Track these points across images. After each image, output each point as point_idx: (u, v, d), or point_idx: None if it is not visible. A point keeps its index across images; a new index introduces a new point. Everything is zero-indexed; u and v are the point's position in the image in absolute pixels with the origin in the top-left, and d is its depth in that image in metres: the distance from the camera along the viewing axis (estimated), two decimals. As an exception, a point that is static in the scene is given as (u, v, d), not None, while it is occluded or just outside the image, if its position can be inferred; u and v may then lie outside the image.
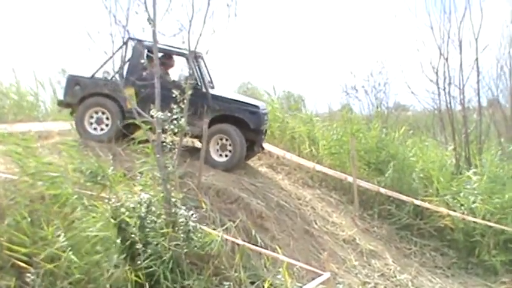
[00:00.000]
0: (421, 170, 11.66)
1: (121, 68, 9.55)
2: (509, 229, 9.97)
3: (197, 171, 8.52)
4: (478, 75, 13.32)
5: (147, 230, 6.59)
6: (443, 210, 10.59)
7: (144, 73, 8.96)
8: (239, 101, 9.99)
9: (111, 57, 7.90)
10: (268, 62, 26.75)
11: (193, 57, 9.10)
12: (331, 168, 11.55)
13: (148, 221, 6.62)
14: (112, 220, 6.50)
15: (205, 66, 10.27)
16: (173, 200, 6.82)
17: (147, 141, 7.54)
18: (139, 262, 6.38)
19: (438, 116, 14.14)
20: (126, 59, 9.66)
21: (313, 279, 6.54)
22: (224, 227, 7.52)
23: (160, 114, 6.72)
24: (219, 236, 6.99)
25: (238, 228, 7.82)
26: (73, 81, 9.82)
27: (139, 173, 7.60)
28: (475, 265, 10.16)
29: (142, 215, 6.62)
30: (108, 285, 6.13)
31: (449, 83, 12.97)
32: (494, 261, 9.88)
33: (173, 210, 6.75)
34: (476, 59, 12.99)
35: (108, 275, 6.15)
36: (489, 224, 10.01)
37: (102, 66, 9.58)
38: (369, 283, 8.53)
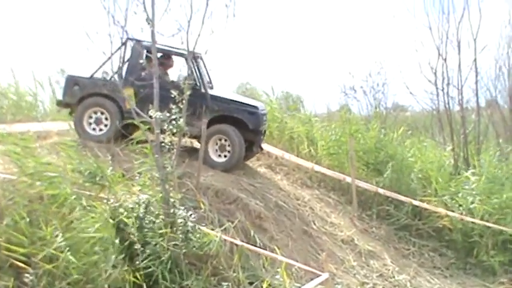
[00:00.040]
0: (420, 170, 11.66)
1: (120, 68, 9.57)
2: (507, 229, 9.98)
3: (196, 172, 8.52)
4: (477, 76, 13.33)
5: (146, 230, 6.59)
6: (442, 210, 10.60)
7: (143, 73, 8.96)
8: (238, 102, 9.99)
9: (110, 58, 7.89)
10: (266, 62, 26.82)
11: (192, 58, 9.10)
12: (329, 169, 11.56)
13: (147, 221, 6.63)
14: (111, 220, 6.51)
15: (205, 66, 10.27)
16: (172, 200, 6.83)
17: (145, 141, 7.55)
18: (137, 262, 6.38)
19: (437, 116, 14.15)
20: (125, 59, 9.67)
21: (311, 279, 6.55)
22: (223, 228, 7.52)
23: (159, 115, 6.72)
24: (217, 237, 6.99)
25: (236, 229, 7.83)
26: (72, 81, 9.81)
27: (138, 173, 7.60)
28: (474, 265, 10.16)
29: (141, 215, 6.63)
30: (106, 286, 6.13)
31: (448, 84, 12.98)
32: (493, 262, 9.88)
33: (172, 211, 6.76)
34: (475, 60, 13.00)
35: (106, 275, 6.15)
36: (487, 224, 10.01)
37: (101, 66, 9.58)
38: (367, 283, 8.54)
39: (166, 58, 10.03)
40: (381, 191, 10.90)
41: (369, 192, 11.20)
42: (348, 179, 11.04)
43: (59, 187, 6.74)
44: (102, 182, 7.08)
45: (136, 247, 6.41)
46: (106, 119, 9.60)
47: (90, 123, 9.61)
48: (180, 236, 6.67)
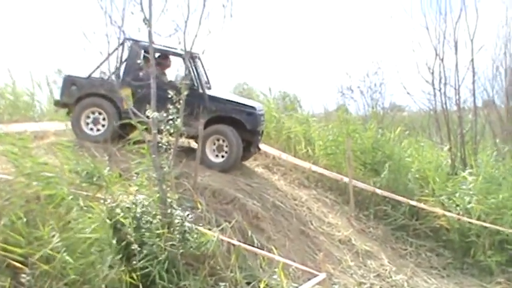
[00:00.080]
0: (417, 170, 11.67)
1: (117, 68, 9.57)
2: (504, 229, 9.98)
3: (193, 172, 8.52)
4: (474, 76, 13.34)
5: (143, 230, 6.58)
6: (439, 210, 10.60)
7: (141, 73, 8.97)
8: (236, 102, 9.99)
9: (107, 58, 7.89)
10: (264, 62, 26.81)
11: (190, 58, 9.10)
12: (327, 169, 11.57)
13: (144, 222, 6.62)
14: (108, 221, 6.49)
15: (203, 66, 10.27)
16: (169, 200, 6.83)
17: (143, 141, 7.54)
18: (135, 263, 6.37)
19: (434, 116, 14.15)
20: (123, 60, 9.67)
21: (309, 279, 6.55)
22: (220, 228, 7.51)
23: (156, 115, 6.72)
24: (214, 237, 6.98)
25: (234, 229, 7.83)
26: (70, 82, 9.81)
27: (135, 173, 7.60)
28: (471, 265, 10.16)
29: (138, 215, 6.61)
30: (103, 286, 6.12)
31: (445, 84, 12.99)
32: (490, 262, 9.88)
33: (169, 211, 6.75)
34: (472, 60, 13.02)
35: (103, 275, 6.15)
36: (484, 224, 10.02)
37: (98, 66, 9.58)
38: (364, 283, 8.53)
39: (163, 58, 10.03)
40: (378, 191, 10.91)
41: (366, 192, 11.20)
42: (345, 179, 11.05)
43: (56, 187, 6.73)
44: (99, 182, 7.08)
45: (133, 247, 6.39)
46: (104, 119, 9.60)
47: (88, 123, 9.61)
48: (177, 236, 6.66)
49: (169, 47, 9.47)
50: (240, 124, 9.68)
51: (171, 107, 6.82)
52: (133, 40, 9.28)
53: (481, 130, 14.04)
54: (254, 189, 9.39)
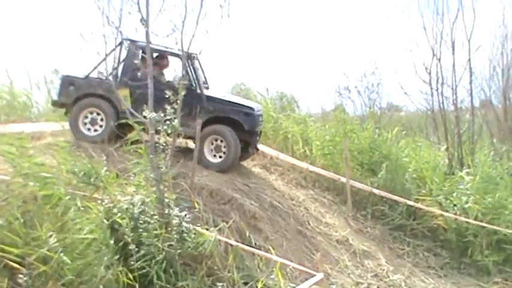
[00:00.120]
0: (414, 170, 11.69)
1: (115, 68, 9.57)
2: (501, 229, 10.00)
3: (190, 172, 8.52)
4: (471, 76, 13.38)
5: (140, 230, 6.58)
6: (436, 210, 10.62)
7: (139, 74, 8.96)
8: (234, 103, 9.99)
9: (105, 58, 7.88)
10: (261, 62, 26.79)
11: (188, 58, 9.10)
12: (324, 169, 11.58)
13: (142, 222, 6.62)
14: (105, 221, 6.49)
15: (201, 67, 10.27)
16: (166, 200, 6.82)
17: (140, 142, 7.54)
18: (132, 263, 6.37)
19: (431, 116, 14.18)
20: (121, 60, 9.67)
21: (306, 279, 6.55)
22: (217, 228, 7.51)
23: (153, 115, 6.71)
24: (212, 237, 6.98)
25: (231, 229, 7.83)
26: (67, 82, 9.79)
27: (133, 173, 7.59)
28: (468, 265, 10.18)
29: (136, 215, 6.61)
30: (101, 287, 6.11)
31: (442, 84, 13.02)
32: (487, 261, 9.90)
33: (166, 211, 6.75)
34: (469, 60, 13.05)
35: (100, 276, 6.14)
36: (482, 224, 10.03)
37: (96, 66, 9.56)
38: (362, 283, 8.55)
39: (161, 58, 10.03)
40: (375, 191, 10.92)
41: (363, 192, 11.21)
42: (343, 179, 11.05)
43: (53, 188, 6.72)
44: (96, 183, 7.06)
45: (130, 248, 6.39)
46: (101, 119, 9.58)
47: (86, 124, 9.60)
48: (175, 236, 6.66)
49: (167, 47, 9.47)
50: (238, 124, 9.68)
51: (168, 107, 6.82)
52: (131, 40, 9.27)
53: (478, 130, 14.05)
54: (251, 189, 9.39)
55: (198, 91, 9.63)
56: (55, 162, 7.41)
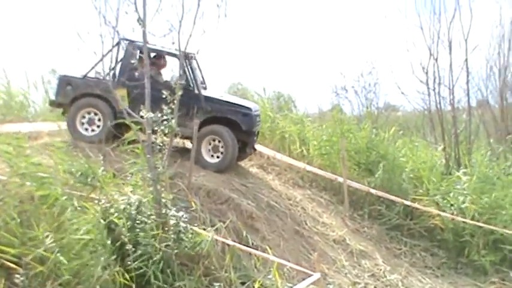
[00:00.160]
0: (411, 170, 11.70)
1: (113, 68, 9.56)
2: (498, 229, 10.01)
3: (187, 172, 8.51)
4: (468, 76, 13.39)
5: (137, 230, 6.57)
6: (433, 210, 10.63)
7: (136, 73, 8.95)
8: (231, 103, 9.99)
9: (103, 58, 7.87)
10: (258, 62, 26.81)
11: (186, 58, 9.10)
12: (321, 169, 11.58)
13: (138, 222, 6.61)
14: (102, 221, 6.48)
15: (198, 67, 10.26)
16: (163, 200, 6.82)
17: (137, 141, 7.53)
18: (129, 263, 6.36)
19: (428, 116, 14.18)
20: (118, 60, 9.66)
21: (303, 279, 6.54)
22: (214, 228, 7.51)
23: (150, 115, 6.71)
24: (209, 237, 6.98)
25: (228, 229, 7.83)
26: (65, 82, 9.79)
27: (130, 173, 7.58)
28: (465, 265, 10.18)
29: (133, 215, 6.61)
30: (97, 287, 6.10)
31: (439, 84, 13.04)
32: (484, 261, 9.91)
33: (163, 211, 6.75)
34: (466, 60, 13.06)
35: (97, 276, 6.13)
36: (478, 224, 10.04)
37: (94, 66, 9.55)
38: (359, 283, 8.55)
39: (159, 58, 10.03)
40: (372, 191, 10.93)
41: (360, 192, 11.22)
42: (340, 179, 11.06)
43: (50, 188, 6.69)
44: (93, 183, 7.05)
45: (127, 248, 6.38)
46: (99, 119, 9.58)
47: (83, 123, 9.59)
48: (172, 236, 6.66)
49: (164, 47, 9.46)
50: (236, 125, 9.68)
51: (165, 107, 6.82)
52: (128, 40, 9.27)
53: (475, 130, 14.07)
54: (249, 189, 9.39)
55: (196, 91, 9.63)
56: (52, 162, 7.39)
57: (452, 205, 10.58)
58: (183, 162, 8.85)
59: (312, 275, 6.48)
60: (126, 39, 9.31)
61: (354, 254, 9.36)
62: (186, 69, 9.33)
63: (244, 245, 7.59)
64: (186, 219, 6.93)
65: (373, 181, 11.25)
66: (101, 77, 9.57)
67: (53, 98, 10.33)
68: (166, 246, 6.57)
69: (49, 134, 9.82)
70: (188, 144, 10.12)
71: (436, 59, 12.88)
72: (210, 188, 8.63)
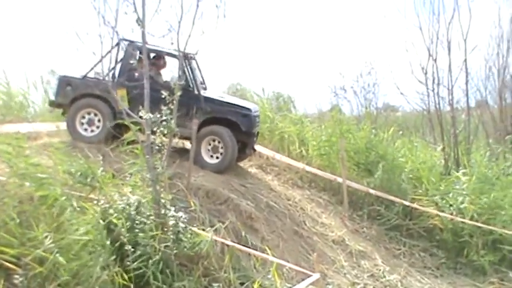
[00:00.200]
0: (410, 170, 11.70)
1: (112, 69, 9.56)
2: (497, 229, 10.01)
3: (187, 173, 8.51)
4: (467, 76, 13.40)
5: (137, 231, 6.57)
6: (432, 210, 10.64)
7: (136, 74, 8.96)
8: (231, 104, 9.99)
9: (102, 58, 7.87)
10: (257, 63, 26.80)
11: (186, 59, 9.10)
12: (320, 169, 11.58)
13: (138, 222, 6.61)
14: (101, 221, 6.47)
15: (198, 67, 10.26)
16: (162, 201, 6.82)
17: (136, 142, 7.53)
18: (128, 263, 6.36)
19: (427, 116, 14.19)
20: (118, 60, 9.66)
21: (302, 280, 6.55)
22: (214, 228, 7.50)
23: (149, 116, 6.71)
24: (208, 237, 6.98)
25: (227, 229, 7.83)
26: (64, 82, 9.79)
27: (129, 174, 7.58)
28: (464, 265, 10.19)
29: (132, 216, 6.60)
30: (97, 287, 6.10)
31: (438, 84, 13.04)
32: (483, 261, 9.91)
33: (162, 212, 6.75)
34: (465, 60, 13.07)
35: (96, 276, 6.13)
36: (477, 224, 10.05)
37: (93, 67, 9.55)
38: (358, 284, 8.56)
39: (158, 59, 10.03)
40: (371, 191, 10.94)
41: (359, 193, 11.23)
42: (339, 179, 11.07)
43: (49, 188, 6.69)
44: (92, 183, 7.05)
45: (127, 248, 6.38)
46: (99, 120, 9.58)
47: (83, 124, 9.59)
48: (171, 236, 6.66)
49: (164, 48, 9.46)
50: (235, 125, 9.68)
51: (165, 108, 6.82)
52: (128, 41, 9.27)
53: (474, 130, 14.10)
54: (248, 189, 9.39)
55: (196, 92, 9.63)
56: (51, 162, 7.39)
57: (451, 205, 10.59)
58: (182, 162, 8.85)
59: (311, 275, 6.49)
60: (126, 40, 9.32)
61: (353, 254, 9.37)
62: (185, 69, 9.33)
63: (244, 246, 7.59)
64: (185, 220, 6.93)
65: (372, 181, 11.26)
66: (101, 78, 9.56)
67: (52, 98, 10.33)
68: (165, 246, 6.57)
69: (48, 135, 9.82)
70: (188, 144, 10.12)
71: (435, 60, 12.90)
72: (209, 188, 8.62)
